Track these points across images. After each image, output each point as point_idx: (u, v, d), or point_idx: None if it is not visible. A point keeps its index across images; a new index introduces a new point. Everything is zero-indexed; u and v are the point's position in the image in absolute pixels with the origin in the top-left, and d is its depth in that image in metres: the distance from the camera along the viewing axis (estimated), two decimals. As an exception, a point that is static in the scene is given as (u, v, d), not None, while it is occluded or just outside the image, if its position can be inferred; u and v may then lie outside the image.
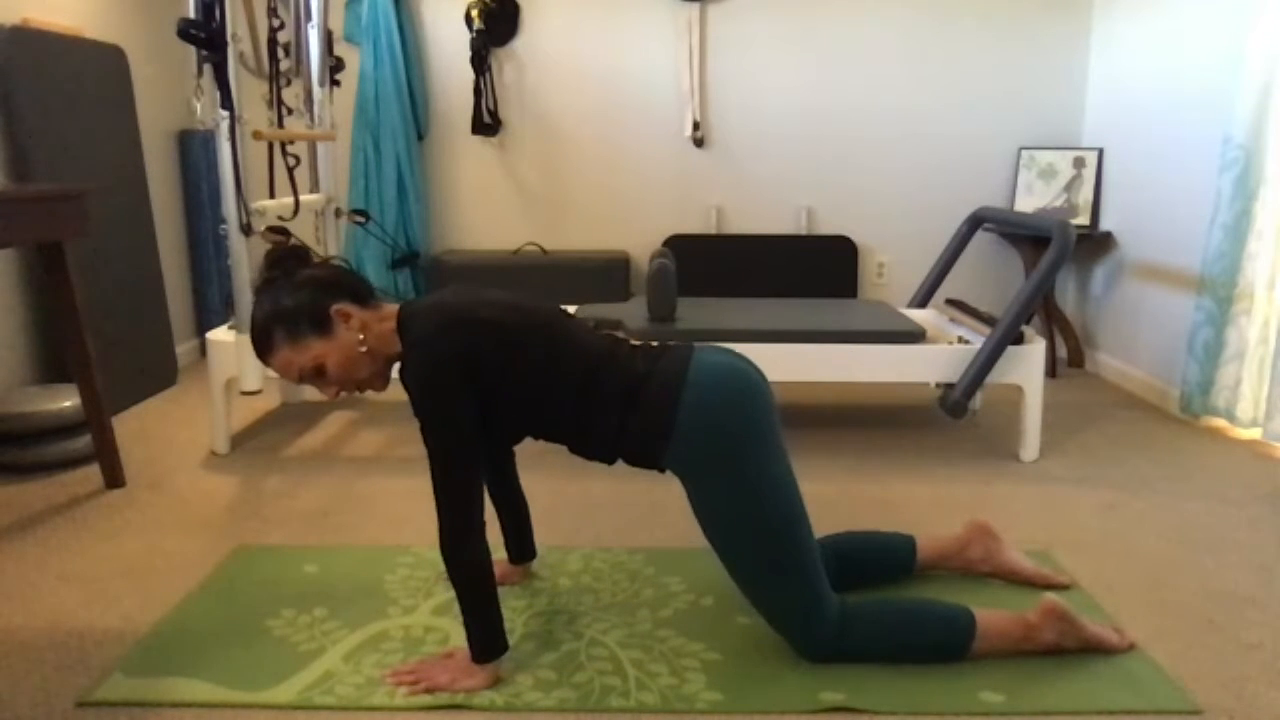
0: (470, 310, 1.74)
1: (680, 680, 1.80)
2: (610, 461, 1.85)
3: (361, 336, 1.76)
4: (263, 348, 1.77)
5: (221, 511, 2.64)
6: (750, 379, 1.80)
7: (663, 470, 1.81)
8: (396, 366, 1.82)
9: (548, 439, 1.85)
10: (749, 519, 1.74)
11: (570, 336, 1.81)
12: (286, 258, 1.81)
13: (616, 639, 1.94)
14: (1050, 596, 1.88)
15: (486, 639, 1.76)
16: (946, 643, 1.83)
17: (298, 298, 1.75)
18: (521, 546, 2.19)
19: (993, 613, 1.87)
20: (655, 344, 1.89)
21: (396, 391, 3.84)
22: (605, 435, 1.79)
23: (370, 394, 3.84)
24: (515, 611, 2.05)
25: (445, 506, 1.70)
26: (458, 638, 1.94)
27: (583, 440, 1.82)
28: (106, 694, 1.74)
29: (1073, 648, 1.87)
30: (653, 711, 1.70)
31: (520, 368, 1.74)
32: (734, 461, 1.73)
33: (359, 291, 1.80)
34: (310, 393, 3.81)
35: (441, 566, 2.26)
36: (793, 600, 1.79)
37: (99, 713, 1.70)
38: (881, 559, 2.14)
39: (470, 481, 1.70)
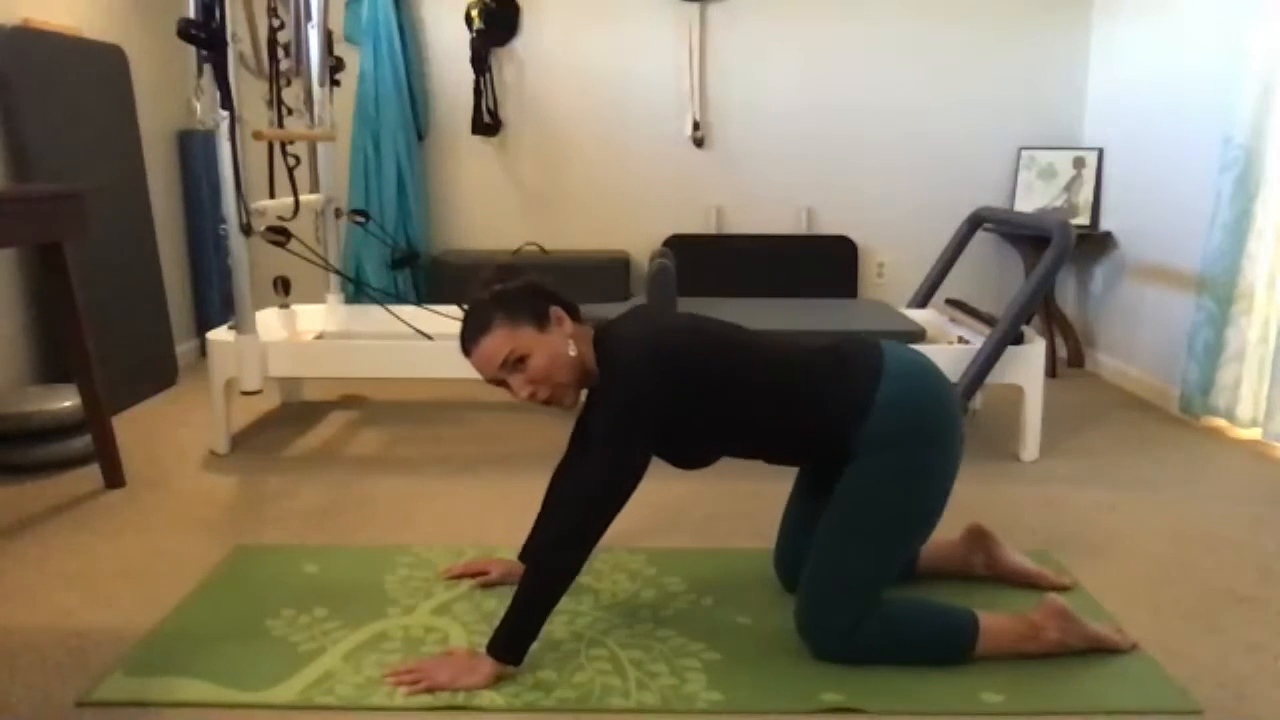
0: (670, 339, 1.81)
1: (680, 680, 1.80)
2: (805, 464, 1.94)
3: (571, 342, 1.84)
4: (477, 326, 1.83)
5: (221, 511, 2.64)
6: (943, 379, 1.88)
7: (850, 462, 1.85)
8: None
9: (741, 454, 1.92)
10: (893, 500, 1.81)
11: (758, 346, 1.88)
12: (516, 269, 1.92)
13: (616, 639, 1.94)
14: (1053, 596, 1.89)
15: (516, 639, 1.77)
16: (950, 643, 1.83)
17: (522, 293, 1.85)
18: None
19: (996, 614, 1.87)
20: (837, 342, 1.93)
21: (395, 393, 3.84)
22: (803, 436, 1.86)
23: (370, 395, 3.84)
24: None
25: (580, 515, 1.76)
26: (457, 638, 1.94)
27: (780, 445, 1.90)
28: (106, 694, 1.74)
29: (1078, 646, 1.86)
30: (653, 711, 1.71)
31: (718, 388, 1.81)
32: (916, 449, 1.80)
33: (572, 308, 1.89)
34: (310, 392, 3.81)
35: (441, 566, 2.26)
36: (855, 586, 1.82)
37: (99, 713, 1.70)
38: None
39: (614, 510, 1.76)
